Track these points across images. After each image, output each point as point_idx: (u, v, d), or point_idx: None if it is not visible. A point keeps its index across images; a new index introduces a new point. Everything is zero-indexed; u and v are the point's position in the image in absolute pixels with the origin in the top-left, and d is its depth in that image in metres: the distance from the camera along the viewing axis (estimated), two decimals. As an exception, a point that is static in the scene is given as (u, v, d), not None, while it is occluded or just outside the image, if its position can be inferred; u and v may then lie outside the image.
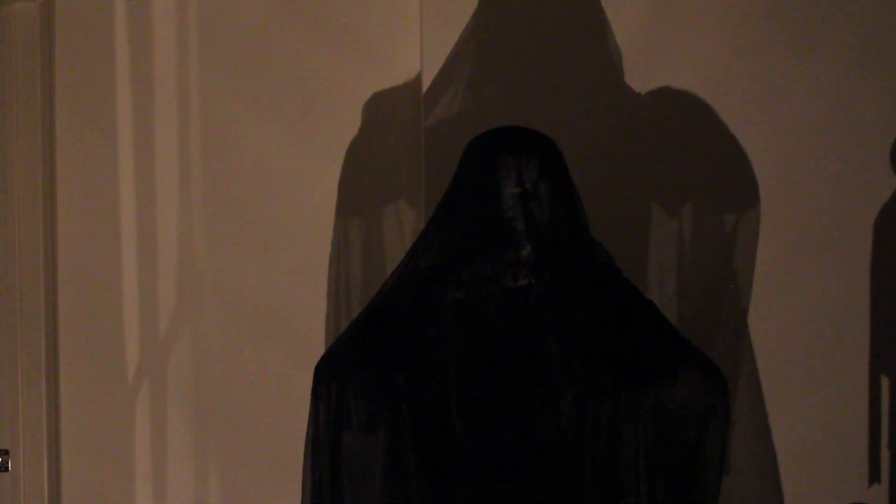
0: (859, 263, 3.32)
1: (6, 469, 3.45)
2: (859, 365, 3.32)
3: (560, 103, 3.32)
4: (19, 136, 3.50)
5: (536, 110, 3.29)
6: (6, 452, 3.46)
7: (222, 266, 3.48)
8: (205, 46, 3.51)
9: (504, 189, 2.62)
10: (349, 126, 3.47)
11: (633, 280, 2.89)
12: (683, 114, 3.33)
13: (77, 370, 3.52)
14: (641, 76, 3.34)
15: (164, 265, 3.52)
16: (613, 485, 2.62)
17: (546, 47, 3.34)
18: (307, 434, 2.75)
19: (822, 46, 3.32)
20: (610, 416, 2.62)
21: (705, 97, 3.33)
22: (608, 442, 2.62)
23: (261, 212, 3.49)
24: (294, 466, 2.90)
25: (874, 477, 3.30)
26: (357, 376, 2.69)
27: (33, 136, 3.50)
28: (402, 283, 2.73)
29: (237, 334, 3.48)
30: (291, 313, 3.45)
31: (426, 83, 3.38)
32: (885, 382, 3.30)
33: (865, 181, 3.32)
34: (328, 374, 2.71)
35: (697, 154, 3.33)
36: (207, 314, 3.50)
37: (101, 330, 3.52)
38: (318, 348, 3.27)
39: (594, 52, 3.35)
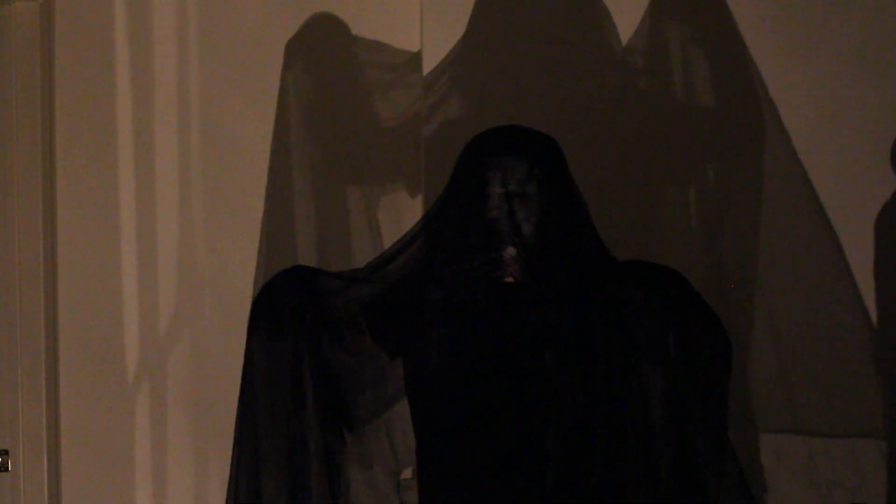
0: (859, 263, 3.32)
1: (6, 469, 3.45)
2: (860, 365, 3.32)
3: (560, 100, 3.33)
4: (19, 136, 3.50)
5: (536, 107, 3.30)
6: (6, 452, 3.46)
7: (222, 266, 3.48)
8: (205, 46, 3.51)
9: (491, 189, 2.62)
10: (350, 126, 3.47)
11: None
12: (683, 114, 3.33)
13: (77, 370, 3.52)
14: (642, 76, 3.34)
15: (164, 265, 3.52)
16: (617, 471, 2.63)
17: (545, 43, 3.35)
18: None
19: (822, 46, 3.32)
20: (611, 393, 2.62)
21: (705, 97, 3.33)
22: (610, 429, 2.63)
23: (260, 212, 3.49)
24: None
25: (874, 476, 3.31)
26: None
27: (33, 136, 3.50)
28: (383, 277, 2.73)
29: (237, 334, 3.47)
30: (291, 313, 3.45)
31: (426, 81, 3.39)
32: (886, 382, 3.30)
33: (865, 181, 3.31)
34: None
35: (697, 153, 3.33)
36: (207, 314, 3.50)
37: (101, 330, 3.52)
38: (317, 348, 3.28)
39: (594, 51, 3.35)
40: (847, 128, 3.31)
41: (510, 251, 2.62)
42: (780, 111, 3.32)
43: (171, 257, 3.52)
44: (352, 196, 3.47)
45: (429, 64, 3.38)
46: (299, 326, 2.66)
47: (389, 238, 3.40)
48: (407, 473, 2.79)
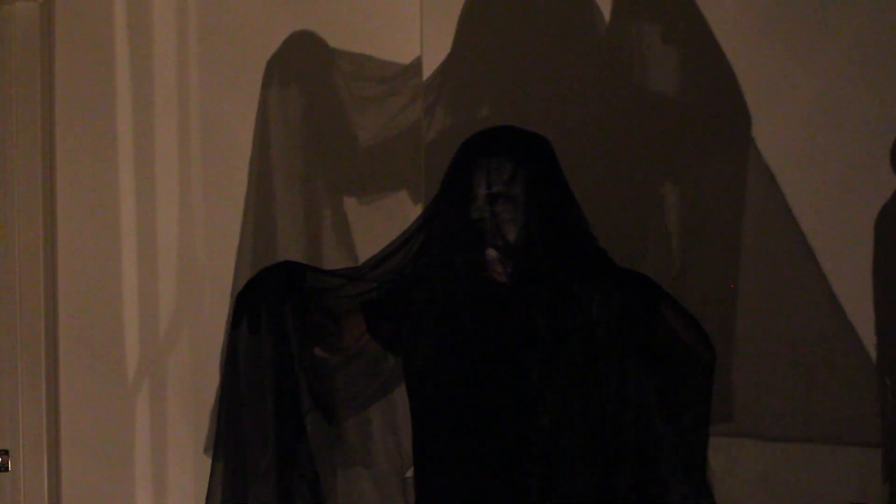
0: (859, 263, 3.32)
1: (6, 469, 3.45)
2: (861, 365, 3.32)
3: (557, 98, 3.33)
4: (19, 136, 3.50)
5: (534, 107, 3.30)
6: (6, 452, 3.46)
7: (222, 266, 3.48)
8: (204, 46, 3.51)
9: (477, 190, 2.63)
10: (349, 126, 3.47)
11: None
12: (683, 114, 3.33)
13: (77, 370, 3.52)
14: (641, 77, 3.34)
15: (164, 265, 3.52)
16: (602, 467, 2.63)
17: (541, 43, 3.35)
18: None
19: (822, 47, 3.32)
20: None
21: (705, 98, 3.33)
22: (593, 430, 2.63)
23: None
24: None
25: (888, 476, 3.31)
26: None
27: (33, 136, 3.50)
28: (380, 275, 2.74)
29: (237, 334, 3.48)
30: (291, 313, 3.45)
31: (426, 83, 3.39)
32: (887, 382, 3.30)
33: (865, 181, 3.31)
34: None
35: (697, 154, 3.33)
36: (207, 314, 3.50)
37: (101, 330, 3.52)
38: (317, 348, 3.28)
39: (595, 51, 3.35)
40: (847, 128, 3.31)
41: (491, 252, 2.63)
42: (781, 111, 3.32)
43: (171, 257, 3.52)
44: (334, 205, 3.48)
45: (429, 70, 3.39)
46: (279, 320, 2.67)
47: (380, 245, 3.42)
48: (412, 472, 2.80)
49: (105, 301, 3.52)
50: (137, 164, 3.52)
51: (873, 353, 3.31)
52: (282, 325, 2.66)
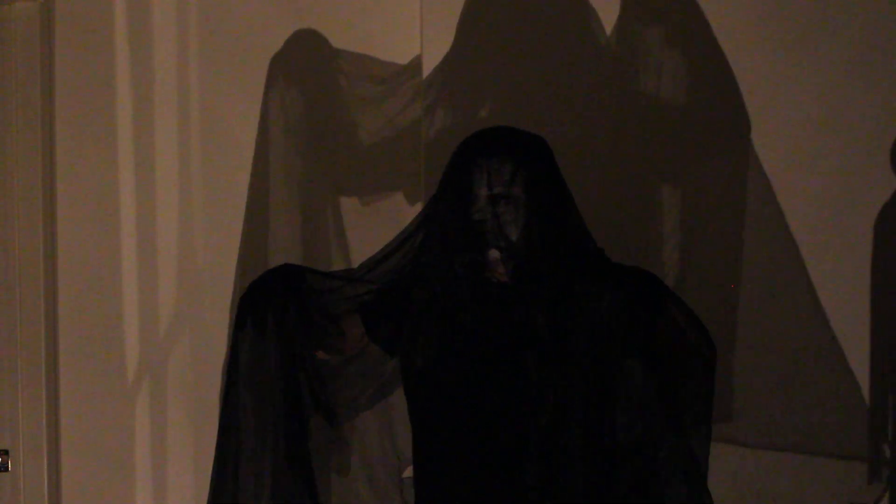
0: (859, 263, 3.32)
1: (6, 469, 3.46)
2: (859, 365, 3.32)
3: (554, 100, 3.33)
4: (19, 136, 3.50)
5: (533, 108, 3.30)
6: (6, 452, 3.46)
7: (222, 266, 3.49)
8: (205, 46, 3.51)
9: (477, 191, 2.62)
10: (350, 125, 3.47)
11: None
12: (683, 114, 3.33)
13: (77, 370, 3.52)
14: (640, 76, 3.34)
15: (164, 265, 3.52)
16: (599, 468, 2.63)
17: (539, 45, 3.35)
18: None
19: (822, 46, 3.32)
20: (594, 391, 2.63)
21: (705, 98, 3.33)
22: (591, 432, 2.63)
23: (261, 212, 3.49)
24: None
25: (874, 476, 3.31)
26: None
27: (33, 136, 3.50)
28: (378, 276, 2.74)
29: (237, 334, 3.48)
30: (291, 313, 3.45)
31: (426, 82, 3.39)
32: (885, 382, 3.31)
33: (865, 181, 3.32)
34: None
35: (698, 155, 3.34)
36: (207, 314, 3.50)
37: (101, 330, 3.52)
38: (317, 348, 3.28)
39: (593, 52, 3.36)
40: (847, 128, 3.32)
41: (493, 253, 2.63)
42: (781, 111, 3.32)
43: (171, 257, 3.52)
44: (334, 205, 3.48)
45: (429, 70, 3.39)
46: (282, 323, 2.67)
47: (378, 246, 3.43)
48: (409, 472, 2.80)
49: (105, 301, 3.52)
50: (137, 164, 3.52)
51: (869, 354, 3.32)
52: (286, 327, 2.67)
